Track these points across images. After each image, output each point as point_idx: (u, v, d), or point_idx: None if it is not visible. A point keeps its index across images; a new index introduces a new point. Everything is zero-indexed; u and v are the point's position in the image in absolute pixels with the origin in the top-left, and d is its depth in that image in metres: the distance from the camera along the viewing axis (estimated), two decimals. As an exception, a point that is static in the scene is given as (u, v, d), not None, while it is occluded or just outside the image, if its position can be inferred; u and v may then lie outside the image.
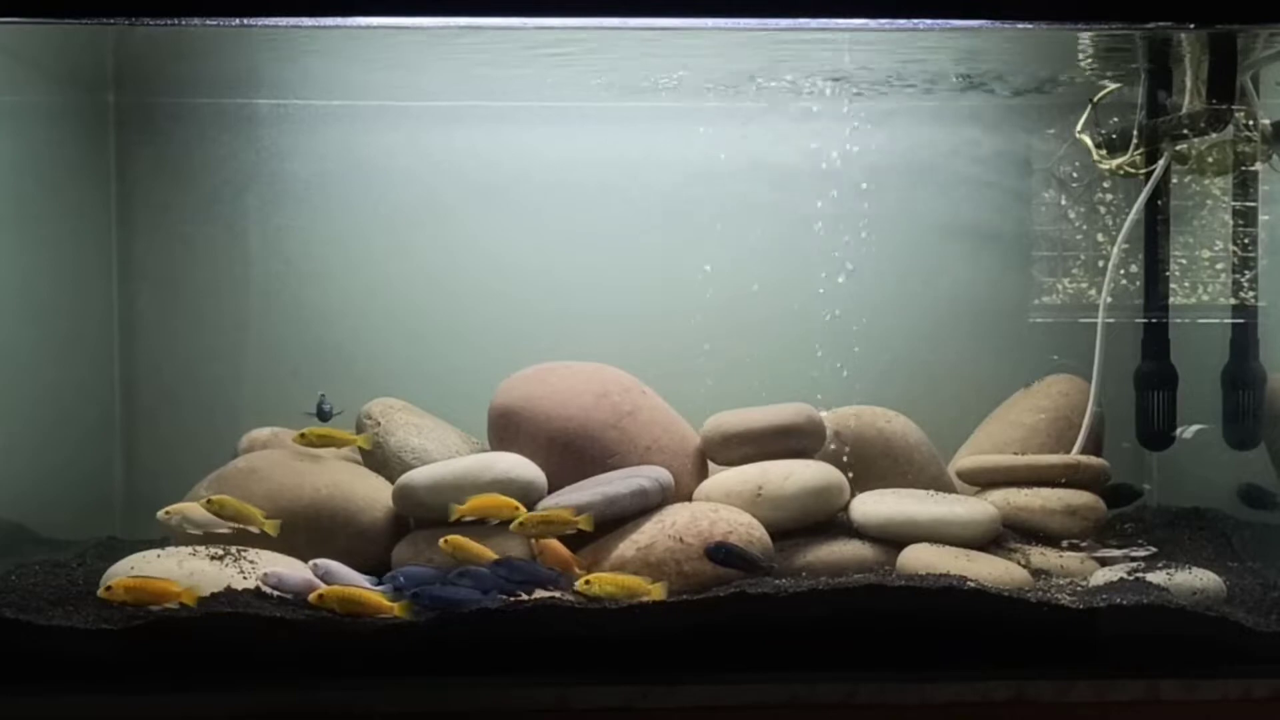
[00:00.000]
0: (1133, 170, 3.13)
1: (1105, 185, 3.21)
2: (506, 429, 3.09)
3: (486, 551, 2.72)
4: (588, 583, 2.60)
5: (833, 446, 3.08)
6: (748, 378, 3.30)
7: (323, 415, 3.15)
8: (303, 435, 3.05)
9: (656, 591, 2.62)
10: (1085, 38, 2.88)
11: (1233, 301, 3.06)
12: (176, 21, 2.60)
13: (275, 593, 2.60)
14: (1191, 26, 2.71)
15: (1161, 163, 3.08)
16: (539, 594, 2.61)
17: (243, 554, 2.76)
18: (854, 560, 2.85)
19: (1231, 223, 3.06)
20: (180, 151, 3.46)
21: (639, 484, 2.87)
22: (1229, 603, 2.67)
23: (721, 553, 2.70)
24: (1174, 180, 3.12)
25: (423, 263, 3.52)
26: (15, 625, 2.48)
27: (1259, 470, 3.07)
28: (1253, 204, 3.04)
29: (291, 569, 2.69)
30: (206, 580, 2.62)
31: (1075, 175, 3.22)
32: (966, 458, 3.21)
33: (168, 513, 2.84)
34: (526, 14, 2.58)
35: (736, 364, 3.39)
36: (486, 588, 2.59)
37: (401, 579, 2.61)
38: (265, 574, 2.64)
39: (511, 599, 2.58)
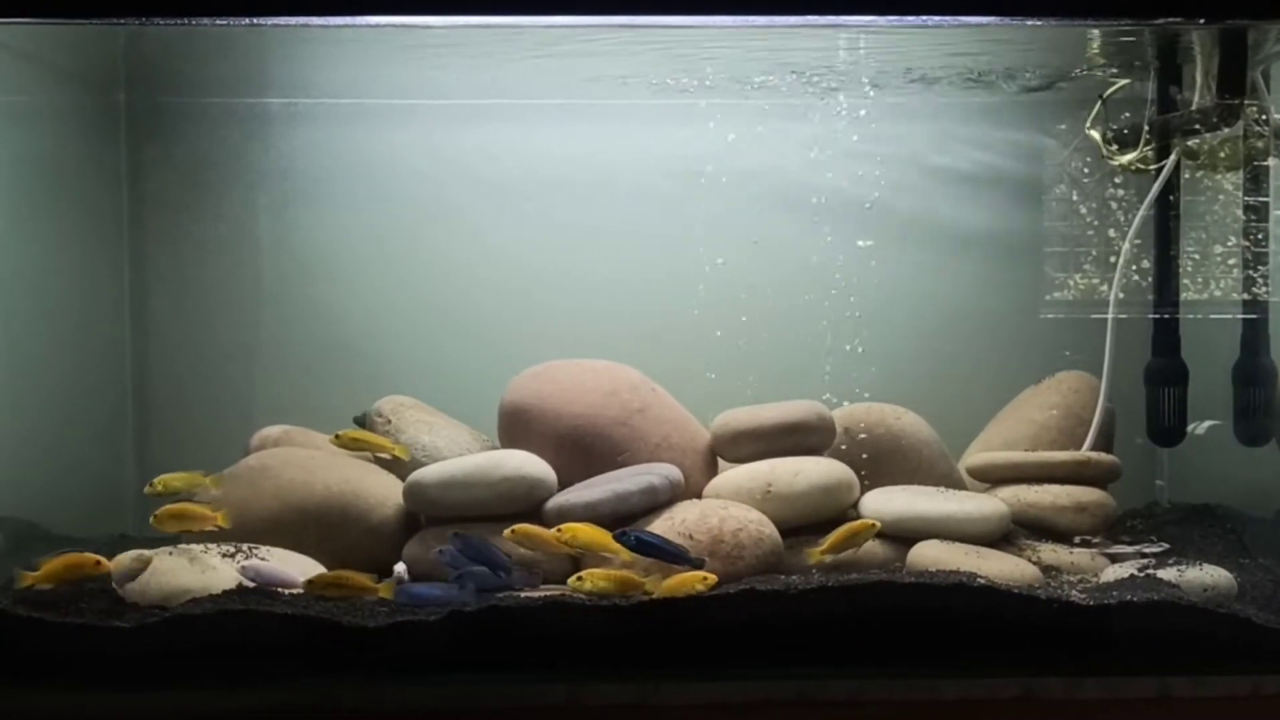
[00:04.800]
0: (1143, 166, 3.12)
1: (1116, 181, 3.20)
2: (516, 426, 3.09)
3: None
4: (580, 578, 2.59)
5: (843, 445, 3.08)
6: (757, 374, 3.30)
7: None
8: (337, 437, 3.04)
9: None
10: (1095, 34, 2.88)
11: (1244, 297, 3.05)
12: (187, 21, 2.60)
13: (253, 585, 2.61)
14: (1202, 22, 2.70)
15: (1172, 158, 3.07)
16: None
17: (254, 551, 2.77)
18: (864, 557, 2.84)
19: (1243, 218, 3.05)
20: (192, 151, 3.46)
21: (649, 481, 2.87)
22: (1240, 599, 2.66)
23: (630, 539, 2.67)
24: (1185, 176, 3.11)
25: (433, 260, 3.53)
26: (28, 623, 2.49)
27: (1270, 470, 3.07)
28: (1264, 199, 3.03)
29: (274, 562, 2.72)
30: (217, 578, 2.63)
31: (1086, 171, 3.21)
32: (976, 454, 3.21)
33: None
34: (538, 12, 2.58)
35: (746, 361, 3.38)
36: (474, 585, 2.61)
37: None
38: (243, 566, 2.66)
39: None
